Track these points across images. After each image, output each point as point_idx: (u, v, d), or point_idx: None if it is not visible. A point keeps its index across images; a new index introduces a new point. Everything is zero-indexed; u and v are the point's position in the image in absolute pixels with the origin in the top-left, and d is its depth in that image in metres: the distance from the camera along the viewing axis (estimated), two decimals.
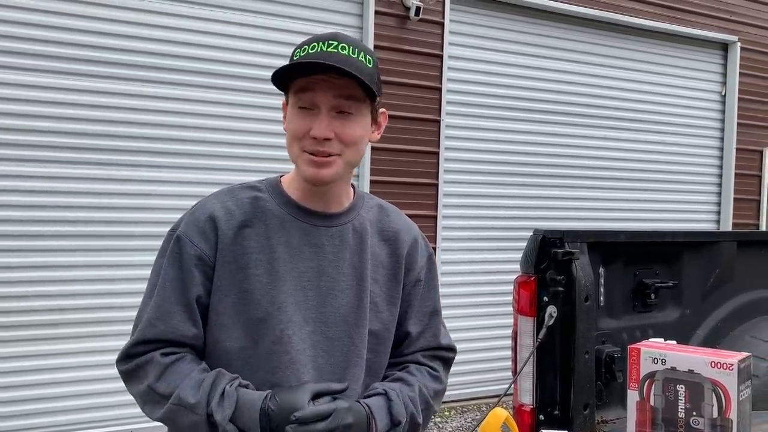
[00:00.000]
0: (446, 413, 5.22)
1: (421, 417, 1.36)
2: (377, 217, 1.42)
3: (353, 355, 1.33)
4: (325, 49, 1.24)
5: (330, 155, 1.26)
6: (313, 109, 1.25)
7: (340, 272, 1.33)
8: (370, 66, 1.27)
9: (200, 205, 1.34)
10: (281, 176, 1.39)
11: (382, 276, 1.38)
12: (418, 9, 4.98)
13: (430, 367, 1.44)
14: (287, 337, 1.27)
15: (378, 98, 1.30)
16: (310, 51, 1.25)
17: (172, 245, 1.30)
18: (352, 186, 1.42)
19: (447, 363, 1.49)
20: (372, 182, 4.93)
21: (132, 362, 1.28)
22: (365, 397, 1.31)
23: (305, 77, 1.24)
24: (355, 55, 1.25)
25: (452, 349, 1.50)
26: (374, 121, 1.34)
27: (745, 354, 1.50)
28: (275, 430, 1.19)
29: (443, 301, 5.34)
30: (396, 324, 1.42)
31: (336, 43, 1.25)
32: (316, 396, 1.22)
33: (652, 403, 1.54)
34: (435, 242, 5.19)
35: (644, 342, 1.63)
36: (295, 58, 1.27)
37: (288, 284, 1.29)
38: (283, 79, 1.27)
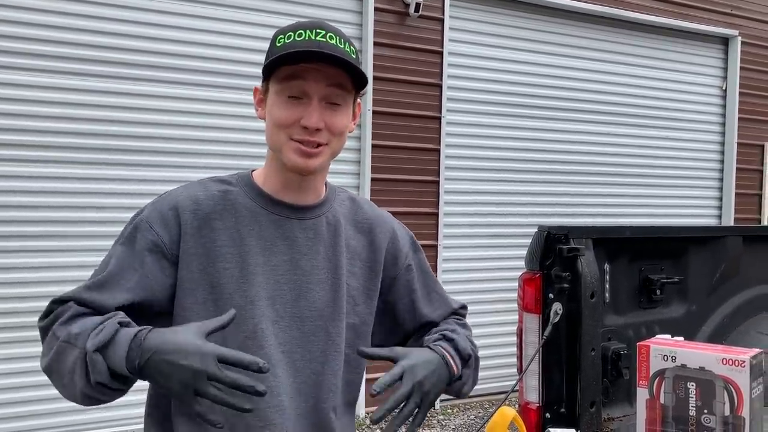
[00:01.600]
0: (449, 411, 5.21)
1: (477, 351, 1.38)
2: (350, 209, 1.39)
3: (331, 350, 1.29)
4: (313, 37, 1.20)
5: (319, 145, 1.23)
6: (303, 98, 1.21)
7: (315, 265, 1.29)
8: (354, 57, 1.25)
9: (166, 195, 1.28)
10: (253, 171, 1.35)
11: (359, 269, 1.35)
12: (417, 5, 4.95)
13: (456, 318, 1.48)
14: (261, 331, 1.22)
15: (363, 89, 1.28)
16: (297, 39, 1.21)
17: (130, 229, 1.23)
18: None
19: (464, 319, 1.51)
20: (373, 180, 4.91)
21: (50, 315, 1.17)
22: (426, 346, 1.28)
23: (293, 65, 1.20)
24: (342, 46, 1.22)
25: (464, 307, 1.52)
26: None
27: (756, 350, 1.48)
28: (144, 366, 1.05)
29: None
30: (410, 314, 1.41)
31: (324, 32, 1.22)
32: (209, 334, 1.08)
33: (662, 401, 1.51)
34: (436, 240, 5.17)
35: (653, 339, 1.60)
36: (278, 44, 1.23)
37: (260, 278, 1.24)
38: (268, 65, 1.22)
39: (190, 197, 1.25)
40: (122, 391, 1.12)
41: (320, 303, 1.28)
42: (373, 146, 4.91)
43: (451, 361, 1.27)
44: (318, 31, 1.21)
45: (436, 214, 5.18)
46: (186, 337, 1.06)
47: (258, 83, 1.31)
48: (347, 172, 4.89)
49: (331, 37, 1.21)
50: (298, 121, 1.21)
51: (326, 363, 1.28)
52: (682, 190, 6.47)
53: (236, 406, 1.04)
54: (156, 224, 1.22)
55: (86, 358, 1.07)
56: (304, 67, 1.20)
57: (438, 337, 1.32)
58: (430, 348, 1.27)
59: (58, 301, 1.18)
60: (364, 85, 1.26)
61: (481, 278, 5.45)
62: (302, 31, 1.21)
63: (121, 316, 1.13)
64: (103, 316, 1.13)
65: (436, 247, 5.17)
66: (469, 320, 5.16)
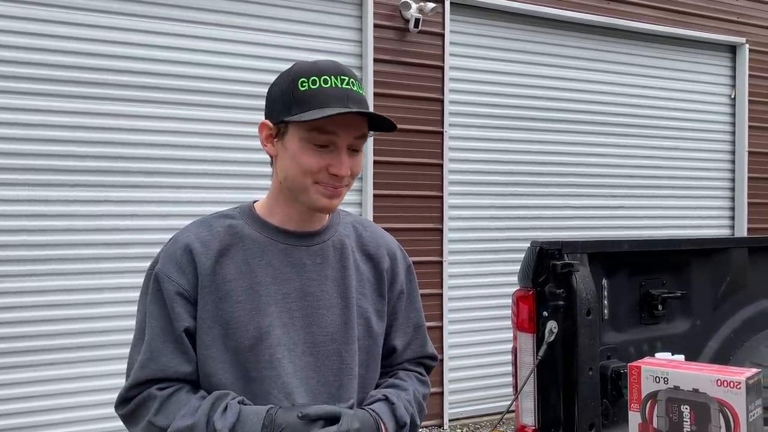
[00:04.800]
0: (458, 430, 5.11)
1: (419, 419, 1.41)
2: (355, 233, 1.43)
3: (345, 374, 1.33)
4: (340, 85, 1.25)
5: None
6: (330, 146, 1.26)
7: (324, 290, 1.33)
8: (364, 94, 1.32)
9: (175, 239, 1.32)
10: (254, 202, 1.39)
11: (369, 290, 1.40)
12: (417, 21, 4.92)
13: (418, 372, 1.48)
14: (277, 360, 1.26)
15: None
16: (324, 86, 1.25)
17: (153, 283, 1.29)
18: None
19: (429, 370, 1.54)
20: (375, 196, 4.86)
21: (130, 404, 1.27)
22: (368, 404, 1.33)
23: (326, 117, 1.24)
24: (360, 90, 1.28)
25: (436, 358, 1.54)
26: None
27: (754, 370, 1.40)
28: None
29: (452, 316, 5.30)
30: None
31: (347, 78, 1.27)
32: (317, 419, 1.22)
33: (655, 425, 1.44)
34: (442, 256, 5.10)
35: (645, 359, 1.53)
36: (302, 88, 1.25)
37: (272, 307, 1.28)
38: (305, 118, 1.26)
39: (198, 239, 1.30)
40: None
41: (332, 327, 1.32)
42: (375, 162, 4.87)
43: (383, 427, 1.30)
44: (342, 78, 1.25)
45: (441, 230, 5.12)
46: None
47: (255, 104, 1.32)
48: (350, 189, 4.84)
49: (353, 84, 1.27)
50: (326, 168, 1.25)
51: (341, 387, 1.32)
52: (694, 201, 6.35)
53: None
54: (173, 273, 1.27)
55: None
56: (335, 120, 1.23)
57: (381, 397, 1.35)
58: (368, 412, 1.30)
59: (132, 387, 1.26)
60: (385, 129, 1.30)
61: (488, 294, 5.35)
62: (328, 78, 1.25)
63: (233, 395, 1.23)
64: (200, 400, 1.23)
65: (441, 263, 5.10)
66: (475, 337, 5.10)
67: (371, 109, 1.29)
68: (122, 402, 1.28)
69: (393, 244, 1.48)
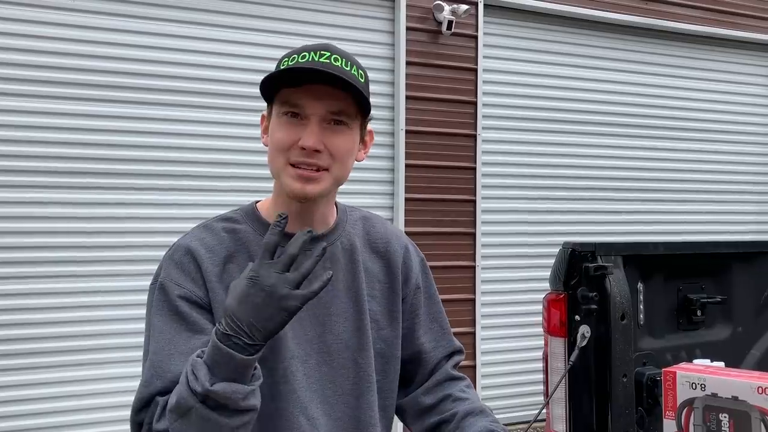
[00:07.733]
0: None
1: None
2: (363, 230, 1.34)
3: (363, 381, 1.26)
4: (317, 59, 1.16)
5: (318, 169, 1.17)
6: (303, 119, 1.16)
7: (335, 295, 1.25)
8: (362, 81, 1.20)
9: (177, 246, 1.23)
10: (256, 202, 1.30)
11: (379, 291, 1.31)
12: (450, 23, 4.88)
13: (460, 378, 1.39)
14: (291, 373, 1.19)
15: (369, 115, 1.23)
16: (300, 60, 1.17)
17: (157, 295, 1.19)
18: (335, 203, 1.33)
19: (457, 365, 1.44)
20: (407, 200, 4.81)
21: (143, 428, 1.15)
22: None
23: (295, 87, 1.15)
24: (349, 68, 1.18)
25: (463, 351, 1.45)
26: (362, 139, 1.26)
27: None
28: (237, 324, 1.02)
29: (485, 321, 5.15)
30: (406, 339, 1.35)
31: (328, 53, 1.17)
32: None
33: None
34: (474, 261, 5.03)
35: (681, 365, 1.46)
36: (282, 67, 1.18)
37: None
38: (269, 88, 1.18)
39: (202, 244, 1.21)
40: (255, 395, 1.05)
41: (345, 334, 1.25)
42: (407, 166, 4.83)
43: None
44: (323, 53, 1.17)
45: (474, 234, 5.04)
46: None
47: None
48: (381, 192, 4.82)
49: (336, 59, 1.17)
50: (297, 142, 1.15)
51: (360, 396, 1.25)
52: (735, 206, 6.17)
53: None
54: (180, 280, 1.18)
55: (209, 400, 1.01)
56: (303, 88, 1.15)
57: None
58: None
59: (138, 411, 1.14)
60: (368, 110, 1.20)
61: (522, 300, 5.25)
62: (306, 53, 1.17)
63: (195, 355, 1.07)
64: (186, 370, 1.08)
65: (474, 268, 5.03)
66: (511, 344, 5.01)
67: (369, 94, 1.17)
68: (136, 428, 1.16)
69: (404, 238, 1.40)
